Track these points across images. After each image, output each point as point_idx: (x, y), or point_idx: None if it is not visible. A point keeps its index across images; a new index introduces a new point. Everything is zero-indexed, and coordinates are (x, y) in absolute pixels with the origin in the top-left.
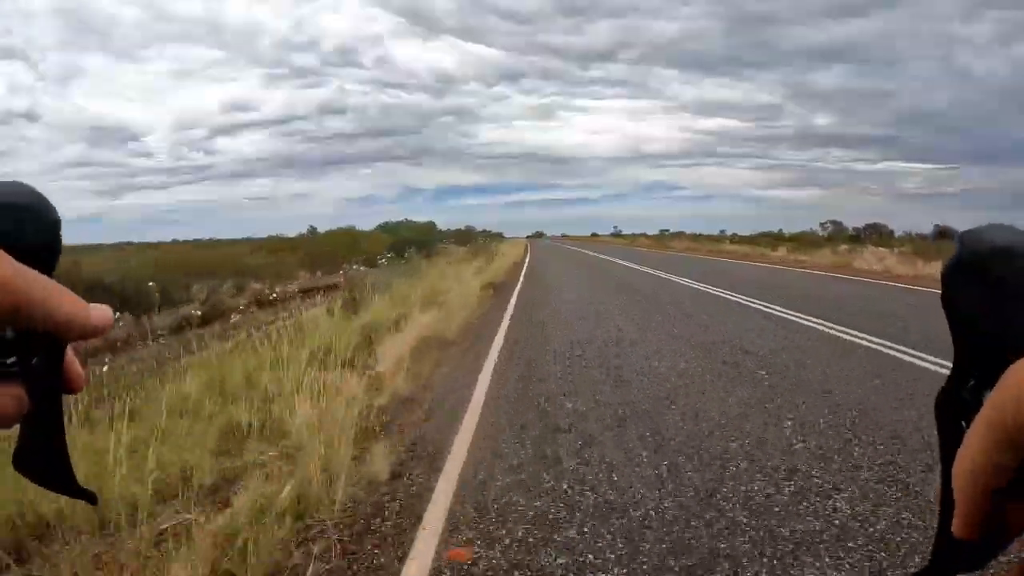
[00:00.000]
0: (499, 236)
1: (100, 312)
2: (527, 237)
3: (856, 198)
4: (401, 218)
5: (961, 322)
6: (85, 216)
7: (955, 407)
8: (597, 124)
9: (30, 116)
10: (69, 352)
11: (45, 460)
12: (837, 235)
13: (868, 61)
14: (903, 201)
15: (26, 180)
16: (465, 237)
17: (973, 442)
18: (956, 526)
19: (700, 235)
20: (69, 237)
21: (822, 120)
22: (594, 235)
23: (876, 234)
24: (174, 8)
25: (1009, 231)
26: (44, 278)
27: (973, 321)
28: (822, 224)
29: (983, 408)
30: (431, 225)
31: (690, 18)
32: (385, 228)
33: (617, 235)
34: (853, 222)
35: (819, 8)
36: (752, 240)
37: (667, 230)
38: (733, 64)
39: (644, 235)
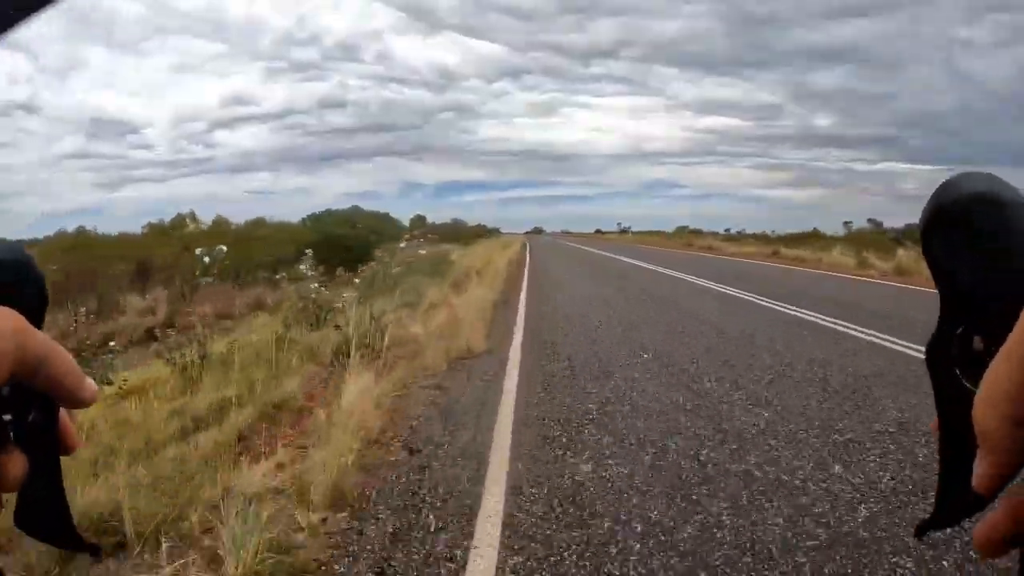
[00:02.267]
0: (496, 231)
1: (90, 382)
2: (525, 233)
3: (856, 198)
4: (412, 213)
5: (944, 272)
6: (87, 208)
7: (946, 357)
8: (598, 121)
9: (29, 108)
10: (63, 413)
11: (46, 517)
12: (881, 234)
13: (868, 62)
14: (904, 202)
15: (26, 172)
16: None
17: (998, 376)
18: (984, 474)
19: (716, 233)
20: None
21: (822, 120)
22: (598, 231)
23: (918, 233)
24: (175, 3)
25: (985, 179)
26: (52, 341)
27: (956, 270)
28: (845, 223)
29: (1007, 343)
30: (420, 219)
31: (691, 17)
32: (317, 220)
33: (624, 232)
34: (856, 222)
35: (819, 9)
36: (795, 241)
37: (686, 227)
38: (734, 63)
39: (654, 232)
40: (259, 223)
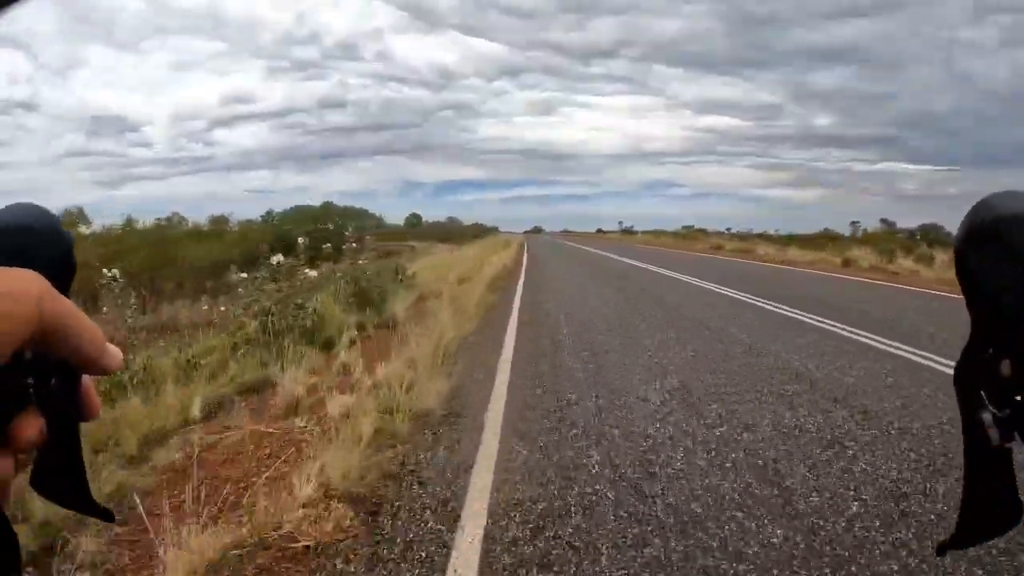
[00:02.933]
0: (494, 230)
1: (114, 350)
2: (524, 232)
3: (856, 198)
4: (409, 212)
5: (977, 293)
6: (87, 207)
7: (973, 377)
8: (598, 121)
9: (29, 106)
10: (86, 379)
11: (62, 481)
12: (894, 234)
13: (868, 62)
14: (904, 202)
15: (25, 169)
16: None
17: None
18: None
19: (721, 233)
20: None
21: (822, 120)
22: (599, 231)
23: (933, 235)
24: (176, 0)
25: (1020, 198)
26: (74, 307)
27: (988, 291)
28: (852, 223)
29: None
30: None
31: (691, 17)
32: (281, 220)
33: (628, 232)
34: (860, 222)
35: (819, 9)
36: (808, 242)
37: (691, 226)
38: (734, 63)
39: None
40: (219, 221)
